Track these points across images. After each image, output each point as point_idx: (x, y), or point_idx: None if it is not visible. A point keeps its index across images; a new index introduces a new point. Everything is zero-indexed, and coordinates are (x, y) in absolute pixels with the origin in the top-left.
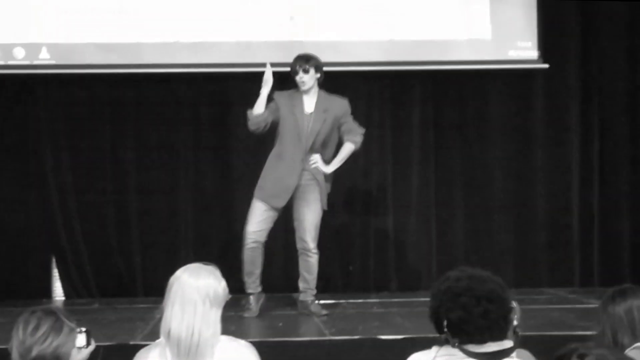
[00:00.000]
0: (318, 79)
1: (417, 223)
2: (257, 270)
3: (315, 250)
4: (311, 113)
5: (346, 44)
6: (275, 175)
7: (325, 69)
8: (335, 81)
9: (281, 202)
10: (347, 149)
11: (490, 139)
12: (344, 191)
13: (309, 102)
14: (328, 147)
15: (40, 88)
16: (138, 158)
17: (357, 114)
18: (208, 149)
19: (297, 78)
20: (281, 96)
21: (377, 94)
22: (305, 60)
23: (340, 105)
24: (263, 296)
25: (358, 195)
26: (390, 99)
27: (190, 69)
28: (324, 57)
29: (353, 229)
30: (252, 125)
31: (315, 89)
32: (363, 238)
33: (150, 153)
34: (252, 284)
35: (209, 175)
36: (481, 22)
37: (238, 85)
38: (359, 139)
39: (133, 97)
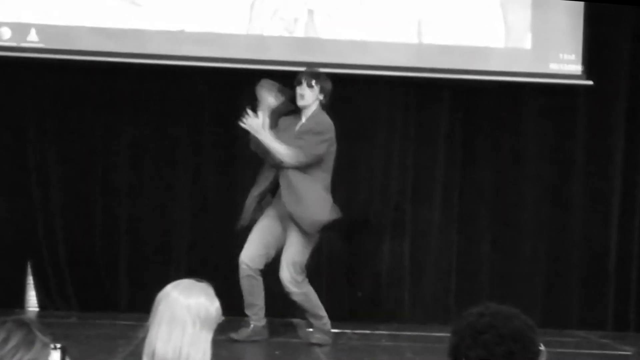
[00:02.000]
0: (320, 102)
1: (436, 247)
2: (258, 302)
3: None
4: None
5: (370, 45)
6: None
7: (345, 71)
8: (355, 85)
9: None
10: (280, 147)
11: (523, 159)
12: (356, 207)
13: (300, 123)
14: (316, 169)
15: (27, 74)
16: (132, 157)
17: (377, 124)
18: (210, 152)
19: (298, 89)
20: (284, 121)
21: (402, 102)
22: (314, 76)
23: (314, 122)
24: (266, 330)
25: (372, 213)
26: (416, 108)
27: (195, 62)
28: (344, 58)
29: (364, 250)
30: (253, 145)
31: (313, 110)
32: (375, 261)
33: (146, 153)
34: (254, 316)
35: (210, 181)
36: (521, 29)
37: (248, 83)
38: (298, 158)
39: (130, 90)
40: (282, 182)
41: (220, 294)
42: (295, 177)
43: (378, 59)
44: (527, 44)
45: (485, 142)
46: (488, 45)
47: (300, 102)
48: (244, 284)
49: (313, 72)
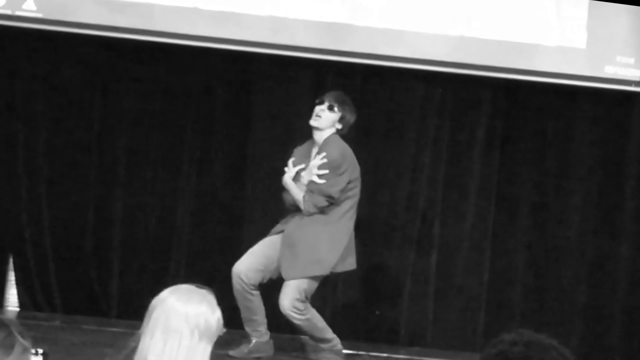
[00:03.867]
0: (338, 130)
1: (466, 265)
2: (257, 317)
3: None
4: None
5: (405, 35)
6: None
7: (375, 62)
8: (385, 79)
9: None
10: (299, 197)
11: (569, 172)
12: (378, 215)
13: (314, 152)
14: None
15: (20, 46)
16: (132, 147)
17: (407, 123)
18: (219, 146)
19: (316, 108)
20: (298, 153)
21: (436, 101)
22: (339, 100)
23: (326, 150)
24: (269, 346)
25: (397, 224)
26: (452, 108)
27: (209, 43)
28: (376, 48)
29: (385, 264)
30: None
31: (327, 136)
32: (397, 276)
33: (148, 143)
34: (254, 332)
35: (217, 179)
36: (575, 26)
37: (266, 71)
38: (314, 203)
39: (134, 70)
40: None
41: (223, 302)
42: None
43: (413, 51)
44: (581, 43)
45: (527, 151)
46: (537, 42)
47: (313, 122)
48: (238, 298)
49: (339, 97)
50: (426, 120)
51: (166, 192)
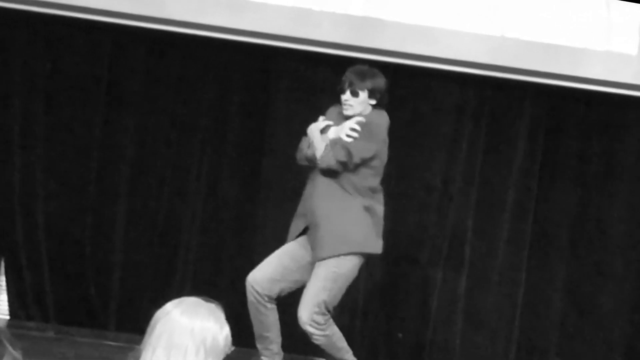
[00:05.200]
0: (373, 106)
1: (499, 287)
2: (269, 334)
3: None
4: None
5: (439, 33)
6: None
7: (405, 62)
8: (416, 81)
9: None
10: (320, 144)
11: (617, 191)
12: (404, 230)
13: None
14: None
15: (17, 28)
16: (137, 145)
17: (439, 129)
18: (232, 146)
19: (342, 97)
20: (331, 113)
21: (472, 106)
22: (360, 77)
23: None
24: None
25: (424, 242)
26: (489, 115)
27: (224, 34)
28: (406, 46)
29: (410, 283)
30: (300, 159)
31: (367, 113)
32: (422, 297)
33: (155, 140)
34: (265, 350)
35: (229, 182)
36: (627, 31)
37: (287, 67)
38: (334, 155)
39: (142, 61)
40: (308, 188)
41: (232, 318)
42: (326, 183)
43: (447, 51)
44: (634, 49)
45: (570, 164)
46: (585, 46)
47: (346, 113)
48: (251, 310)
49: (356, 74)
50: (459, 128)
51: (172, 196)
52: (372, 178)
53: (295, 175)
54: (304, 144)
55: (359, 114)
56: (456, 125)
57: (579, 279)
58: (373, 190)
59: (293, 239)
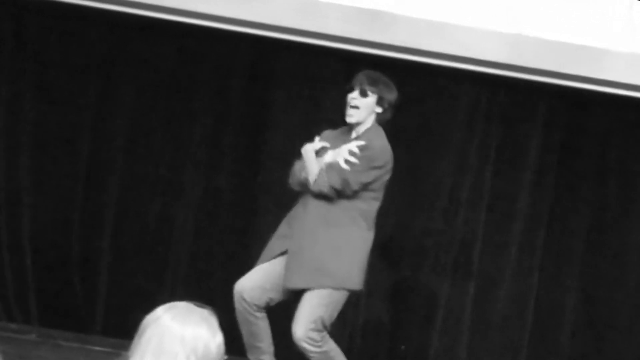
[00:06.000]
0: (378, 115)
1: (508, 299)
2: (261, 345)
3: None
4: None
5: (453, 29)
6: None
7: (417, 58)
8: (426, 79)
9: None
10: (314, 167)
11: (634, 199)
12: (410, 235)
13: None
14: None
15: (6, 16)
16: (129, 141)
17: (449, 131)
18: (231, 144)
19: (349, 97)
20: (326, 135)
21: (483, 109)
22: (372, 80)
23: (365, 139)
24: None
25: (430, 248)
26: (501, 117)
27: (226, 24)
28: (418, 42)
29: (415, 292)
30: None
31: (369, 125)
32: (428, 307)
33: (148, 137)
34: None
35: (225, 182)
36: None
37: (291, 61)
38: (328, 181)
39: (138, 51)
40: (298, 210)
41: (225, 325)
42: (319, 207)
43: (460, 48)
44: None
45: (587, 173)
46: (606, 47)
47: (350, 119)
48: (240, 320)
49: (370, 76)
50: (471, 129)
51: (166, 194)
52: (371, 202)
53: None
54: (297, 167)
55: (362, 122)
56: (467, 128)
57: (592, 291)
58: (368, 217)
59: (267, 261)
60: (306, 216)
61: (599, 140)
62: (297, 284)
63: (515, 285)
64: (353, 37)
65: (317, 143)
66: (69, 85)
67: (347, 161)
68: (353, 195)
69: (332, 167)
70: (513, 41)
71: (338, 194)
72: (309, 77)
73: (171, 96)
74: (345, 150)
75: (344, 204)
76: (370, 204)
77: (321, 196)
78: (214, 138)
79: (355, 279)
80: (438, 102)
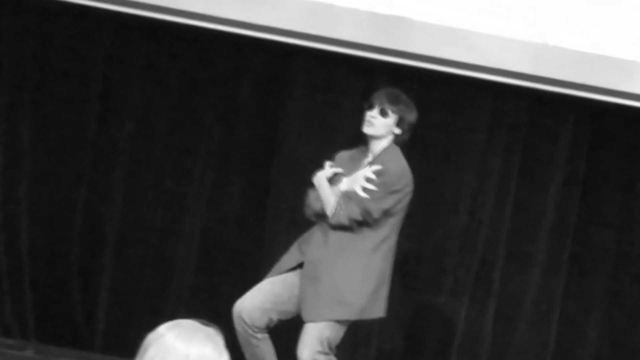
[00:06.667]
0: (396, 137)
1: (530, 319)
2: None
3: None
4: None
5: (473, 37)
6: None
7: (436, 67)
8: (445, 89)
9: None
10: (331, 198)
11: None
12: (427, 251)
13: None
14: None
15: (6, 16)
16: (133, 150)
17: (470, 144)
18: (240, 154)
19: (367, 114)
20: (340, 159)
21: (506, 120)
22: (394, 100)
23: (381, 162)
24: None
25: (449, 266)
26: (525, 131)
27: (236, 28)
28: (436, 50)
29: (431, 310)
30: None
31: (383, 146)
32: (445, 325)
33: (153, 146)
34: None
35: (234, 196)
36: None
37: (303, 68)
38: (348, 213)
39: (145, 55)
40: (316, 233)
41: (232, 345)
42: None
43: (482, 57)
44: None
45: (615, 190)
46: (636, 59)
47: (366, 129)
48: (241, 342)
49: (391, 96)
50: (493, 143)
51: (171, 207)
52: (392, 227)
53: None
54: (311, 197)
55: (378, 137)
56: (489, 141)
57: (619, 315)
58: (390, 242)
59: (280, 273)
60: (324, 244)
61: (627, 155)
62: (315, 318)
63: (537, 309)
64: (368, 43)
65: (328, 170)
66: (71, 89)
67: (364, 189)
68: (374, 223)
69: (350, 197)
70: (538, 51)
71: (359, 225)
72: (322, 84)
73: (179, 104)
74: (361, 177)
75: (365, 232)
76: (392, 229)
77: (340, 227)
78: (222, 149)
79: (375, 309)
80: (458, 114)
